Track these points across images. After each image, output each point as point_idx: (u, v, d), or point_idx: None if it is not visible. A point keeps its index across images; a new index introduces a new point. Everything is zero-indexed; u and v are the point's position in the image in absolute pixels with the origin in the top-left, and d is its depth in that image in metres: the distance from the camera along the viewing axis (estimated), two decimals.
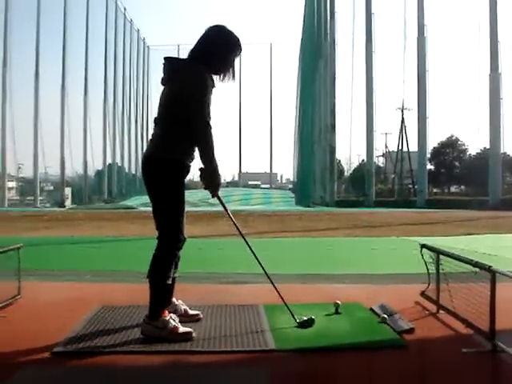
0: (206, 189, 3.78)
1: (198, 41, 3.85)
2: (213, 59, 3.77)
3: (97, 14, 50.93)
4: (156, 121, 3.84)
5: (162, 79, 3.86)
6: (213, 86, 3.76)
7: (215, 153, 3.69)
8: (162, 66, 3.84)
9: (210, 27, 3.88)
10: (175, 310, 3.90)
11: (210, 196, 3.83)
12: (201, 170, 3.71)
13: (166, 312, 3.68)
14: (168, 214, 3.74)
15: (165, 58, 3.85)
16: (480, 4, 39.04)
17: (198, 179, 3.83)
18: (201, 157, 3.69)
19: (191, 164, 3.83)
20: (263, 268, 4.12)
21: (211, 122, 3.68)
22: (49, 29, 47.78)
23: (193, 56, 3.81)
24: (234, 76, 3.93)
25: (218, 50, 3.80)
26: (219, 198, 3.90)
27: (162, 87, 3.86)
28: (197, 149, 3.71)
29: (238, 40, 3.89)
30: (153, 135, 3.86)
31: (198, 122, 3.60)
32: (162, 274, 3.64)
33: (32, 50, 44.27)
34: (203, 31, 3.87)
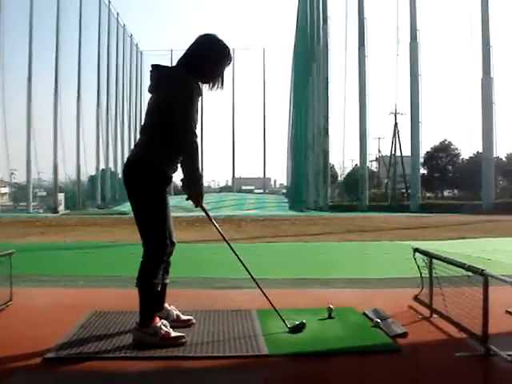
0: (188, 199, 3.75)
1: (188, 49, 3.84)
2: (201, 68, 3.76)
3: (90, 19, 51.05)
4: (142, 128, 3.82)
5: (150, 87, 3.84)
6: (200, 95, 3.75)
7: (199, 163, 3.66)
8: (150, 73, 3.83)
9: (201, 35, 3.86)
10: (168, 316, 3.89)
11: (204, 201, 3.81)
12: (182, 180, 3.68)
13: (157, 318, 3.66)
14: (152, 222, 3.70)
15: (152, 66, 3.84)
16: (472, 8, 39.18)
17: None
18: (185, 165, 3.68)
19: (173, 176, 3.81)
20: (249, 272, 4.16)
21: (197, 131, 3.68)
22: (42, 33, 47.72)
23: (181, 64, 3.79)
24: (222, 85, 3.89)
25: (206, 59, 3.77)
26: (203, 208, 3.85)
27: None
28: (182, 157, 3.70)
29: (228, 49, 3.86)
30: (138, 141, 3.83)
31: (184, 131, 3.58)
32: (149, 281, 3.61)
33: (25, 55, 44.21)
34: (194, 39, 3.86)
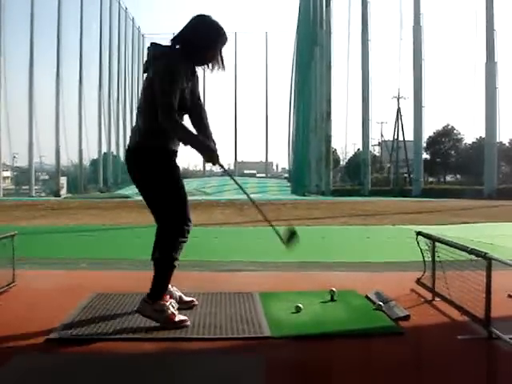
0: (207, 161, 3.80)
1: (182, 30, 3.79)
2: (193, 48, 3.72)
3: (91, 3, 50.67)
4: (138, 109, 3.83)
5: (143, 66, 3.83)
6: (190, 76, 3.74)
7: (192, 134, 3.72)
8: (147, 51, 3.82)
9: (194, 16, 3.81)
10: (170, 296, 3.90)
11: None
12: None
13: (167, 296, 3.69)
14: (170, 203, 3.73)
15: (150, 44, 3.82)
16: None
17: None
18: (183, 143, 3.71)
19: (177, 149, 3.82)
20: (248, 195, 4.36)
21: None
22: (43, 17, 47.35)
23: (173, 43, 3.75)
24: (223, 65, 3.86)
25: (198, 39, 3.73)
26: (221, 166, 3.91)
27: None
28: None
29: (223, 31, 3.80)
30: (134, 126, 3.82)
31: (161, 117, 3.54)
32: (169, 254, 3.64)
33: (26, 39, 44.02)
34: (189, 19, 3.81)
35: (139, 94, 3.99)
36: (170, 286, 3.94)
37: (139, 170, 3.74)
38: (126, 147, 3.86)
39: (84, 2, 49.60)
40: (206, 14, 3.81)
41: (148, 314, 3.61)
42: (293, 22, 64.97)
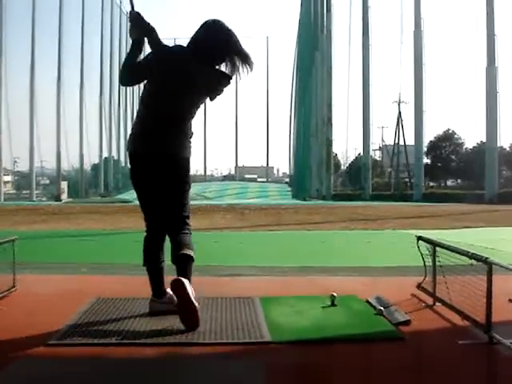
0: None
1: (195, 35, 3.94)
2: (202, 48, 3.83)
3: (93, 8, 50.79)
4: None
5: None
6: (203, 74, 3.84)
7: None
8: None
9: (207, 20, 3.94)
10: (171, 300, 3.91)
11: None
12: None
13: (169, 289, 3.80)
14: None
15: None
16: None
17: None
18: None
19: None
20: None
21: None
22: (44, 21, 47.50)
23: (188, 43, 3.92)
24: (248, 65, 3.94)
25: (207, 39, 3.85)
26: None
27: None
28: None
29: (230, 31, 3.89)
30: (178, 131, 3.95)
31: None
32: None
33: (27, 42, 44.12)
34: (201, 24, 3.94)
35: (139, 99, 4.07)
36: (169, 290, 3.94)
37: (180, 176, 3.95)
38: (174, 153, 3.92)
39: (85, 6, 49.74)
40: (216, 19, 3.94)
41: (159, 308, 3.88)
42: (294, 27, 65.15)
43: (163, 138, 3.82)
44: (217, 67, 3.92)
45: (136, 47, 3.86)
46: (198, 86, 3.87)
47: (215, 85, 3.95)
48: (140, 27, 3.86)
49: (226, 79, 3.94)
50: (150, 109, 3.91)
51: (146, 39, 3.89)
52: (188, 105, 3.92)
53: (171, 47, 3.91)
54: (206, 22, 3.91)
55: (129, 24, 3.90)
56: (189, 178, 4.03)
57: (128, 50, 3.89)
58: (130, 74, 3.84)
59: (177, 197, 3.93)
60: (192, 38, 3.91)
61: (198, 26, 3.91)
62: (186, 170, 3.97)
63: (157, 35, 3.91)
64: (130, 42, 3.91)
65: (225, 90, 4.03)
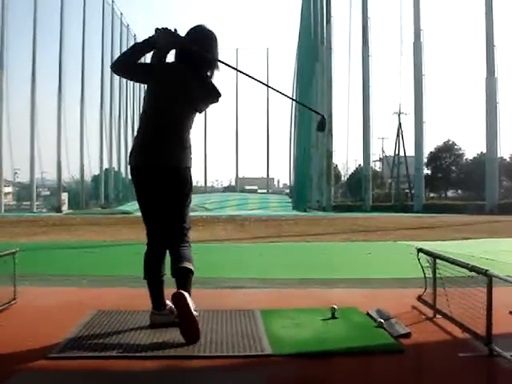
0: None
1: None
2: (191, 53, 3.93)
3: (93, 20, 51.10)
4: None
5: None
6: (195, 81, 3.91)
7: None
8: None
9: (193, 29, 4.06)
10: (171, 313, 3.92)
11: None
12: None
13: (168, 301, 3.87)
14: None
15: None
16: (476, 8, 39.12)
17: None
18: (138, 52, 3.91)
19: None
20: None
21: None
22: (45, 34, 47.87)
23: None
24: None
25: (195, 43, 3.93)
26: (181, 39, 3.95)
27: None
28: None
29: (204, 35, 4.01)
30: (180, 140, 3.97)
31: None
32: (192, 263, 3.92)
33: (28, 55, 44.32)
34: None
35: (140, 110, 4.13)
36: (169, 302, 3.95)
37: (183, 186, 3.99)
38: (174, 164, 3.94)
39: (87, 19, 50.01)
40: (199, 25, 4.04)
41: (160, 321, 3.89)
42: (294, 39, 65.40)
43: (163, 149, 3.84)
44: (208, 80, 4.01)
45: (149, 49, 3.89)
46: (193, 97, 3.93)
47: (206, 96, 4.03)
48: (171, 43, 3.89)
49: (216, 93, 4.04)
50: (149, 121, 3.95)
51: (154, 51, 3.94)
52: (186, 115, 3.96)
53: (168, 62, 3.96)
54: (189, 31, 3.99)
55: (168, 35, 3.86)
56: (190, 191, 4.04)
57: (137, 44, 3.94)
58: (126, 68, 3.90)
59: (177, 209, 3.95)
60: (181, 49, 3.98)
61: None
62: (186, 181, 3.98)
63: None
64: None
65: (212, 103, 4.12)
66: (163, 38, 3.81)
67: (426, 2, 44.68)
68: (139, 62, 3.87)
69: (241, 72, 4.31)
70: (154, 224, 3.98)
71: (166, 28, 3.81)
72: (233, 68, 4.18)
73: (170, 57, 3.95)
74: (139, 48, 3.90)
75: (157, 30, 3.81)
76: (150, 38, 3.84)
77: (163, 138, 3.84)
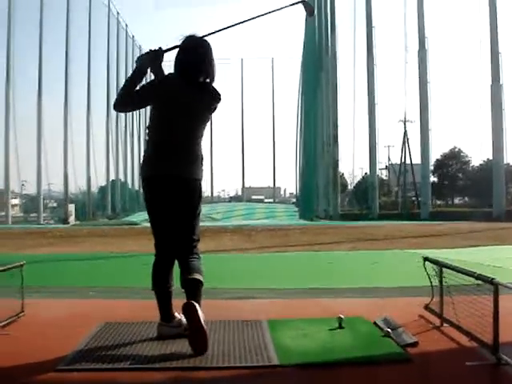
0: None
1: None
2: (185, 64, 3.99)
3: (98, 32, 51.38)
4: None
5: None
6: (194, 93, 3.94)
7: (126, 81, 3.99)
8: None
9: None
10: (180, 324, 3.94)
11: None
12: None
13: (177, 313, 3.92)
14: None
15: None
16: (481, 15, 39.17)
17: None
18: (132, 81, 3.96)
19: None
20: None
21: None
22: (51, 46, 48.12)
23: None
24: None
25: (182, 57, 4.01)
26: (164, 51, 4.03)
27: None
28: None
29: (206, 42, 4.04)
30: (192, 153, 4.02)
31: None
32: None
33: (35, 66, 44.59)
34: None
35: (146, 122, 4.17)
36: (177, 314, 3.96)
37: (195, 197, 4.03)
38: (186, 176, 3.99)
39: (92, 31, 50.29)
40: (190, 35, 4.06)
41: (168, 333, 3.90)
42: (298, 48, 65.49)
43: (174, 160, 3.88)
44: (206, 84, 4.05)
45: (140, 76, 3.98)
46: (199, 107, 3.97)
47: (206, 100, 4.04)
48: (157, 64, 3.99)
49: (217, 98, 4.08)
50: (159, 133, 3.97)
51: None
52: (193, 126, 4.00)
53: (169, 76, 3.98)
54: (182, 42, 4.02)
55: (148, 56, 3.97)
56: (199, 203, 4.07)
57: (127, 78, 4.01)
58: (126, 102, 3.99)
59: (187, 220, 3.97)
60: (175, 61, 4.02)
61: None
62: (197, 193, 4.02)
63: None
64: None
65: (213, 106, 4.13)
66: (147, 59, 3.96)
67: (430, 10, 44.63)
68: (135, 90, 3.92)
69: (219, 30, 4.25)
70: (163, 235, 3.99)
71: (150, 49, 3.95)
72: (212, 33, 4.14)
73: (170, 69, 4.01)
74: (130, 80, 3.97)
75: (138, 57, 3.99)
76: (136, 67, 3.98)
77: (174, 149, 3.88)
